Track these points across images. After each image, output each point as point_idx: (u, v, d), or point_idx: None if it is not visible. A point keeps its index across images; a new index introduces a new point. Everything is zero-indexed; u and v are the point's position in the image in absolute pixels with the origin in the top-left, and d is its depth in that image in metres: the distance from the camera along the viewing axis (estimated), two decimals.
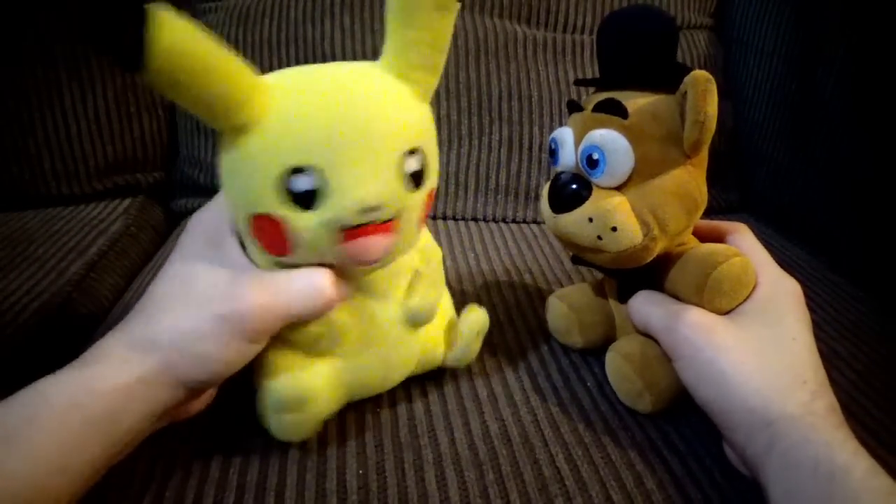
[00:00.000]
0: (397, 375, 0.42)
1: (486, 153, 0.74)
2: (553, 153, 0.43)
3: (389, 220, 0.34)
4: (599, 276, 0.49)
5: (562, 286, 0.58)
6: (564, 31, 0.78)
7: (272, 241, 0.34)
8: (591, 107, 0.40)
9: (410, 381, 0.43)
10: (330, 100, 0.32)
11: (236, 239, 0.37)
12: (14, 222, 0.66)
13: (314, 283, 0.35)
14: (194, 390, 0.35)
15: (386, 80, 0.35)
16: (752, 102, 0.79)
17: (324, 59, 0.73)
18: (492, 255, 0.65)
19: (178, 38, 0.29)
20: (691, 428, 0.41)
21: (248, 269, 0.36)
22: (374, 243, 0.34)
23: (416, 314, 0.40)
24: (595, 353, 0.47)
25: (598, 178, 0.39)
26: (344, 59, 0.73)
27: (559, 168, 0.42)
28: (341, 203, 0.32)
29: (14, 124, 0.69)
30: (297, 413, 0.37)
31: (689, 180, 0.39)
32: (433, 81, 0.37)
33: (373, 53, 0.71)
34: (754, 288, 0.39)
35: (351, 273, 0.37)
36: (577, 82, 0.46)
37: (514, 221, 0.74)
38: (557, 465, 0.38)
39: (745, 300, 0.39)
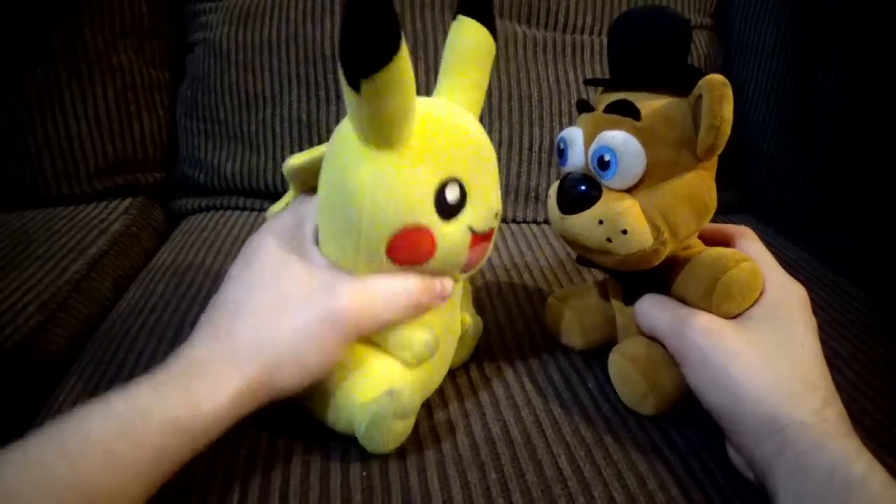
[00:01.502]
0: (438, 384, 0.43)
1: None
2: (561, 153, 0.42)
3: (493, 229, 0.38)
4: (601, 277, 0.49)
5: (562, 286, 0.59)
6: (564, 31, 0.78)
7: (413, 253, 0.36)
8: (602, 107, 0.40)
9: None
10: (466, 123, 0.37)
11: (316, 248, 0.38)
12: (14, 222, 0.66)
13: (410, 287, 0.36)
14: (277, 399, 0.35)
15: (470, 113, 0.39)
16: (752, 102, 0.79)
17: (324, 60, 0.73)
18: (492, 255, 0.64)
19: (406, 51, 0.31)
20: (693, 429, 0.41)
21: (341, 273, 0.36)
22: (486, 248, 0.38)
23: (472, 326, 0.45)
24: (596, 354, 0.47)
25: (609, 180, 0.39)
26: None
27: (567, 168, 0.42)
28: (479, 210, 0.36)
29: (14, 124, 0.69)
30: (406, 421, 0.37)
31: (700, 184, 0.39)
32: (478, 116, 0.41)
33: None
34: (761, 293, 0.39)
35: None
36: (588, 82, 0.46)
37: (514, 221, 0.74)
38: (560, 466, 0.38)
39: (752, 305, 0.39)
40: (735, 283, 0.38)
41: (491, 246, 0.39)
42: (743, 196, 0.80)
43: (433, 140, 0.35)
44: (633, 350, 0.43)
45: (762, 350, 0.37)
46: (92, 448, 0.29)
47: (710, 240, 0.43)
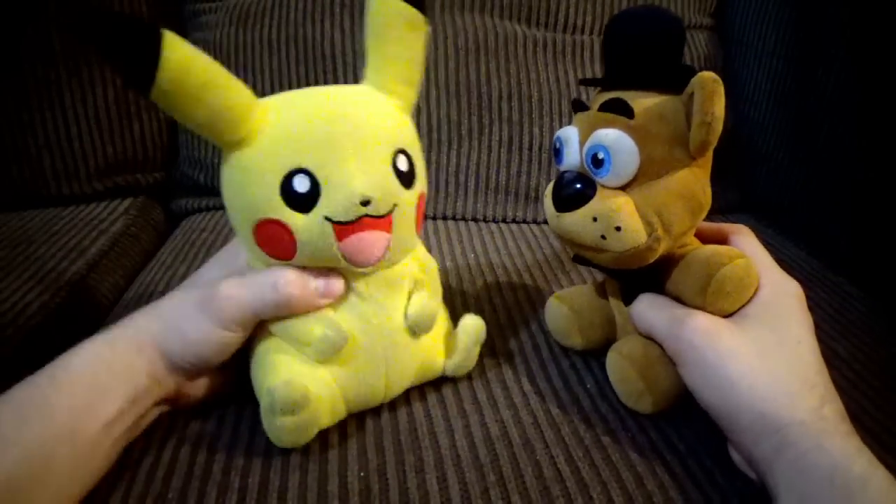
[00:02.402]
0: (397, 387, 0.42)
1: (486, 153, 0.74)
2: (557, 152, 0.42)
3: (385, 216, 0.36)
4: (600, 277, 0.49)
5: (562, 286, 0.59)
6: (564, 31, 0.78)
7: (277, 247, 0.36)
8: (596, 106, 0.40)
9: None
10: (321, 108, 0.36)
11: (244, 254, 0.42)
12: (14, 222, 0.66)
13: (277, 278, 0.37)
14: (185, 372, 0.39)
15: (371, 92, 0.38)
16: (752, 102, 0.79)
17: (324, 60, 0.73)
18: (492, 255, 0.65)
19: (186, 57, 0.32)
20: (692, 429, 0.41)
21: (241, 270, 0.40)
22: (372, 240, 0.36)
23: (419, 322, 0.41)
24: (595, 354, 0.47)
25: (603, 178, 0.39)
26: (344, 59, 0.73)
27: (563, 167, 0.42)
28: (335, 198, 0.35)
29: (14, 124, 0.69)
30: (295, 417, 0.36)
31: (693, 182, 0.39)
32: (412, 95, 0.40)
33: None
34: (756, 290, 0.39)
35: (353, 277, 0.39)
36: (583, 82, 0.46)
37: (514, 221, 0.74)
38: (558, 467, 0.38)
39: (747, 303, 0.39)
40: (729, 279, 0.38)
41: (389, 236, 0.37)
42: (743, 196, 0.80)
43: (278, 132, 0.35)
44: (631, 349, 0.43)
45: (759, 349, 0.37)
46: (39, 379, 0.35)
47: (708, 239, 0.43)
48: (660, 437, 0.41)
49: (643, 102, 0.38)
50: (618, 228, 0.38)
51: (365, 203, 0.35)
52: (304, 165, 0.34)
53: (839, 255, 0.66)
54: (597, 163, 0.39)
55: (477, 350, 0.45)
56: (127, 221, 0.70)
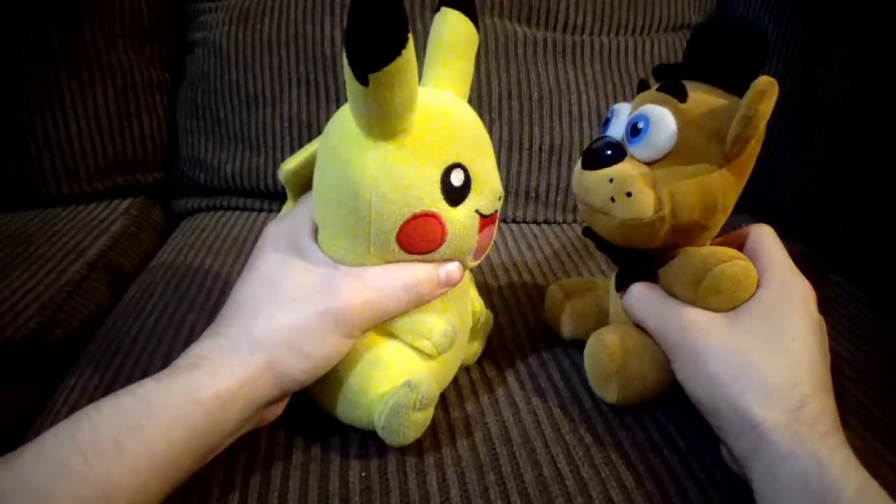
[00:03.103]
0: (453, 376, 0.44)
1: None
2: (607, 122, 0.43)
3: (496, 213, 0.39)
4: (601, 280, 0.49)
5: None
6: (564, 31, 0.78)
7: (423, 242, 0.36)
8: (657, 85, 0.41)
9: None
10: (461, 110, 0.38)
11: (317, 246, 0.39)
12: (14, 222, 0.66)
13: (406, 278, 0.36)
14: (287, 392, 0.36)
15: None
16: None
17: (324, 60, 0.73)
18: (492, 255, 0.65)
19: (412, 44, 0.31)
20: (692, 428, 0.41)
21: (341, 267, 0.37)
22: (492, 233, 0.40)
23: (483, 316, 0.46)
24: None
25: (635, 147, 0.40)
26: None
27: (606, 136, 0.43)
28: (484, 192, 0.37)
29: (14, 124, 0.69)
30: (426, 412, 0.37)
31: (718, 181, 0.39)
32: None
33: None
34: (759, 287, 0.39)
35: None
36: (657, 67, 0.45)
37: (514, 221, 0.74)
38: (558, 466, 0.38)
39: (750, 298, 0.39)
40: (725, 277, 0.38)
41: (496, 229, 0.40)
42: (743, 196, 0.80)
43: (435, 128, 0.36)
44: (609, 335, 0.43)
45: (745, 346, 0.36)
46: (103, 441, 0.30)
47: (722, 242, 0.44)
48: (660, 435, 0.41)
49: (701, 93, 0.39)
50: (628, 194, 0.39)
51: (500, 198, 0.39)
52: (461, 160, 0.36)
53: (840, 255, 0.66)
54: (634, 131, 0.40)
55: (484, 340, 0.48)
56: (127, 221, 0.70)
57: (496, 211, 0.39)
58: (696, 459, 0.39)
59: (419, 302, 0.37)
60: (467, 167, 0.36)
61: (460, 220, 0.36)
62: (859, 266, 0.63)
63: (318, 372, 0.36)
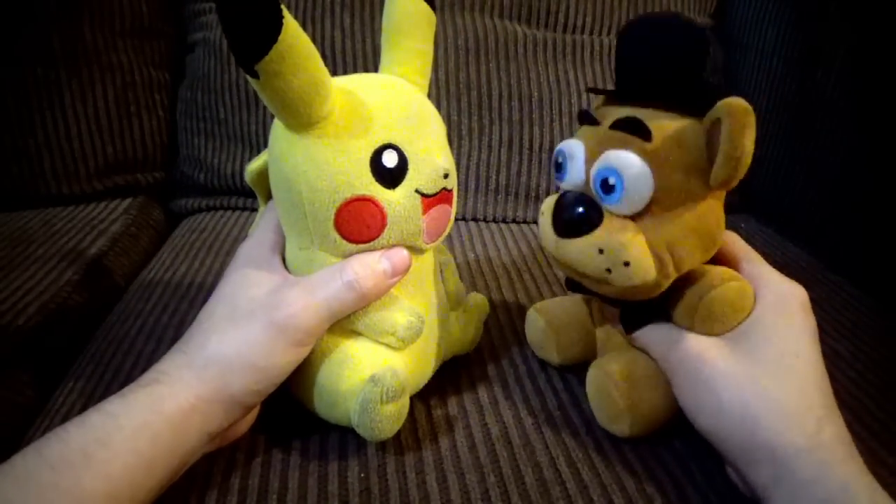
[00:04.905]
0: (435, 366, 0.43)
1: (486, 153, 0.74)
2: (559, 167, 0.39)
3: (451, 191, 0.38)
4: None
5: (561, 287, 0.59)
6: (564, 31, 0.78)
7: (363, 228, 0.36)
8: (608, 122, 0.37)
9: None
10: (392, 92, 0.37)
11: (278, 258, 0.40)
12: (14, 222, 0.66)
13: (346, 275, 0.36)
14: (247, 406, 0.37)
15: (408, 83, 0.39)
16: (753, 103, 0.77)
17: (324, 60, 0.72)
18: (492, 255, 0.65)
19: (295, 24, 0.31)
20: (693, 432, 0.41)
21: (288, 278, 0.38)
22: (445, 213, 0.38)
23: (460, 294, 0.45)
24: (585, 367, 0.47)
25: (613, 205, 0.36)
26: (344, 59, 0.73)
27: (565, 185, 0.39)
28: (424, 171, 0.36)
29: (14, 124, 0.69)
30: (397, 404, 0.36)
31: (709, 215, 0.36)
32: (427, 86, 0.41)
33: (373, 53, 0.71)
34: (755, 303, 0.37)
35: (413, 258, 0.39)
36: (592, 90, 0.41)
37: (514, 221, 0.74)
38: (558, 468, 0.38)
39: (748, 318, 0.37)
40: (718, 302, 0.36)
41: (453, 210, 0.39)
42: (743, 196, 0.80)
43: (358, 110, 0.35)
44: (613, 365, 0.40)
45: (752, 370, 0.35)
46: (72, 453, 0.31)
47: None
48: (661, 439, 0.41)
49: (661, 124, 0.35)
50: (626, 264, 0.35)
51: (446, 175, 0.37)
52: (393, 141, 0.35)
53: (839, 256, 0.66)
54: (607, 188, 0.35)
55: (481, 327, 0.47)
56: (126, 221, 0.70)
57: (446, 189, 0.37)
58: (696, 463, 0.39)
59: (368, 296, 0.36)
60: (402, 147, 0.36)
61: (399, 201, 0.35)
62: (859, 266, 0.63)
63: (273, 382, 0.36)
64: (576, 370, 0.47)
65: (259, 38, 0.30)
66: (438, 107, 0.72)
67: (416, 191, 0.36)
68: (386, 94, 0.37)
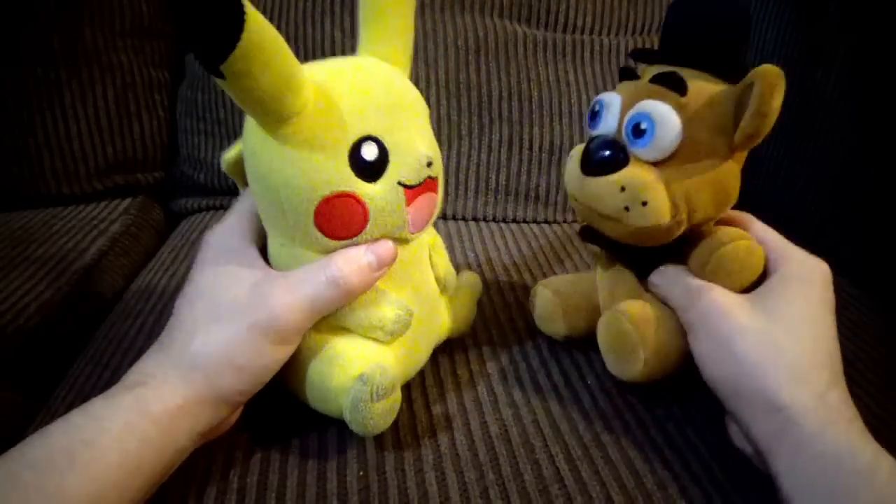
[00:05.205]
0: (428, 354, 0.43)
1: (486, 153, 0.74)
2: (594, 115, 0.41)
3: (435, 178, 0.37)
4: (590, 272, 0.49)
5: None
6: (564, 31, 0.78)
7: (344, 224, 0.35)
8: (648, 77, 0.40)
9: (410, 382, 0.44)
10: (368, 77, 0.36)
11: (255, 249, 0.38)
12: (14, 222, 0.66)
13: (330, 272, 0.35)
14: (235, 405, 0.36)
15: (385, 63, 0.38)
16: None
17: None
18: (492, 255, 0.65)
19: (261, 19, 0.30)
20: (692, 427, 0.41)
21: (269, 274, 0.37)
22: (430, 201, 0.37)
23: (449, 281, 0.43)
24: (596, 350, 0.46)
25: (641, 149, 0.38)
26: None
27: (597, 132, 0.41)
28: (406, 162, 0.35)
29: (14, 124, 0.69)
30: (388, 400, 0.36)
31: (727, 173, 0.39)
32: (409, 66, 0.40)
33: None
34: (780, 267, 0.39)
35: (399, 247, 0.38)
36: (634, 52, 0.43)
37: (514, 221, 0.74)
38: (557, 465, 0.38)
39: (773, 279, 0.39)
40: (729, 258, 0.38)
41: (439, 197, 0.39)
42: (743, 196, 0.80)
43: (334, 103, 0.34)
44: (625, 307, 0.42)
45: (771, 327, 0.36)
46: (56, 455, 0.30)
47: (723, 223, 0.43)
48: (660, 434, 0.41)
49: (696, 83, 0.38)
50: (644, 203, 0.38)
51: (429, 164, 0.36)
52: (372, 132, 0.34)
53: (839, 256, 0.66)
54: (638, 132, 0.38)
55: (475, 307, 0.47)
56: (126, 221, 0.70)
57: (430, 178, 0.37)
58: (696, 458, 0.39)
59: (354, 292, 0.36)
60: (381, 138, 0.34)
61: (381, 195, 0.35)
62: (860, 267, 0.63)
63: (260, 381, 0.36)
64: (577, 365, 0.47)
65: (220, 37, 0.29)
66: (438, 107, 0.73)
67: (399, 182, 0.35)
68: (362, 81, 0.35)
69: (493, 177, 0.74)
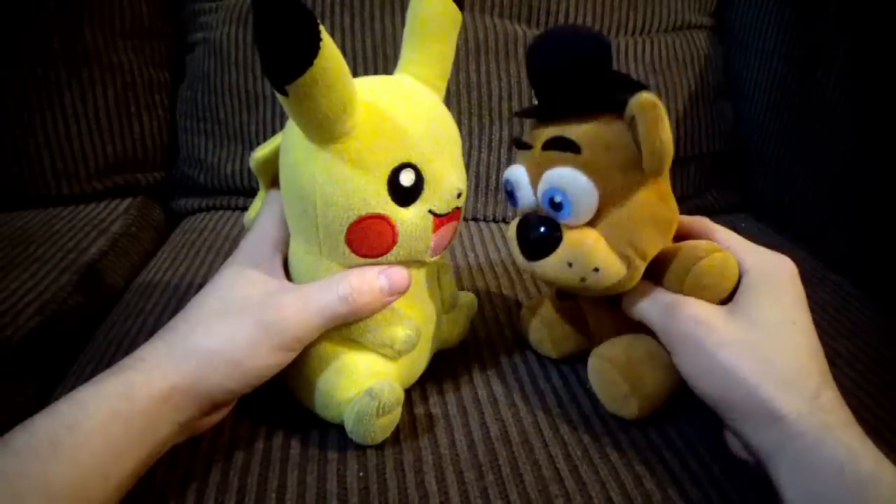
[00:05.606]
0: (425, 363, 0.43)
1: (486, 153, 0.74)
2: (510, 194, 0.41)
3: (460, 208, 0.38)
4: None
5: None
6: None
7: (373, 244, 0.36)
8: (539, 144, 0.39)
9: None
10: (414, 108, 0.36)
11: (280, 259, 0.40)
12: (14, 222, 0.66)
13: (342, 289, 0.36)
14: (218, 403, 0.36)
15: (428, 90, 0.39)
16: (753, 102, 0.79)
17: None
18: (492, 255, 0.65)
19: (331, 43, 0.30)
20: (691, 427, 0.41)
21: (284, 284, 0.38)
22: (452, 229, 0.39)
23: (454, 299, 0.45)
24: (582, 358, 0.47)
25: (566, 220, 0.38)
26: (344, 59, 0.73)
27: (521, 208, 0.41)
28: (438, 191, 0.36)
29: (14, 124, 0.69)
30: (391, 415, 0.38)
31: (657, 201, 0.38)
32: (444, 89, 0.41)
33: (373, 53, 0.71)
34: (743, 274, 0.39)
35: (413, 268, 0.39)
36: (517, 114, 0.44)
37: None
38: (557, 466, 0.38)
39: (740, 287, 0.39)
40: (705, 272, 0.38)
41: (458, 225, 0.39)
42: (743, 196, 0.80)
43: (381, 127, 0.35)
44: (613, 351, 0.42)
45: (752, 336, 0.36)
46: (38, 441, 0.30)
47: (683, 235, 0.42)
48: (659, 435, 0.41)
49: (586, 133, 0.37)
50: (596, 269, 0.38)
51: (459, 195, 0.37)
52: (411, 159, 0.35)
53: (839, 255, 0.66)
54: (555, 206, 0.37)
55: (467, 320, 0.48)
56: (127, 221, 0.70)
57: (456, 209, 0.38)
58: (694, 459, 0.39)
59: (362, 312, 0.37)
60: (420, 166, 0.35)
61: (412, 220, 0.36)
62: (859, 266, 0.63)
63: (252, 381, 0.36)
64: (575, 368, 0.47)
65: (293, 60, 0.29)
66: None
67: (430, 210, 0.36)
68: (409, 108, 0.36)
69: (493, 177, 0.74)
